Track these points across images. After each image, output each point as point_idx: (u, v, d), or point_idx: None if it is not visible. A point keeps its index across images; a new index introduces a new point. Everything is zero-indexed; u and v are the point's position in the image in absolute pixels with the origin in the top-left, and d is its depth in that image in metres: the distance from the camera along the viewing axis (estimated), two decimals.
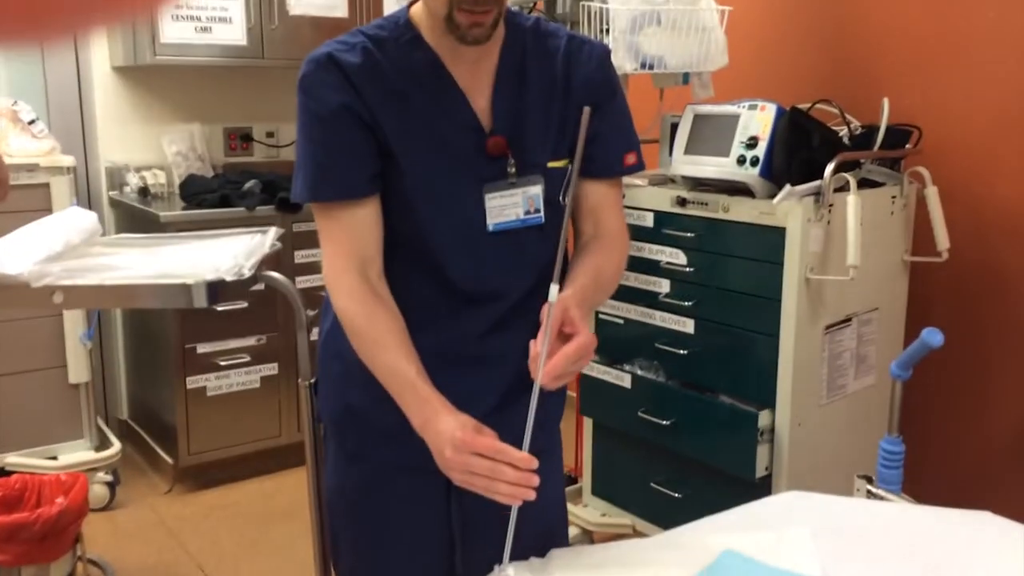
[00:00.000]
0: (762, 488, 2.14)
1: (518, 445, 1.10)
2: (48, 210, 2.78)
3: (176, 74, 3.43)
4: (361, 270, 1.26)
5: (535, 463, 1.08)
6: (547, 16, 2.45)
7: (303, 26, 3.31)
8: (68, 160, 2.90)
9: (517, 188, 1.30)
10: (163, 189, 3.36)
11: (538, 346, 1.13)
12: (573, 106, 1.32)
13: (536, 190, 1.31)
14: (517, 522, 1.12)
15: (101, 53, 3.33)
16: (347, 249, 1.26)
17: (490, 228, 1.31)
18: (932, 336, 1.60)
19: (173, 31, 3.09)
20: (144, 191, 3.30)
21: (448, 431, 1.13)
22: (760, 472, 2.15)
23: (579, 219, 1.39)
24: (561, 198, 1.34)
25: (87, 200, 3.34)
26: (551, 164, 1.33)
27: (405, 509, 1.40)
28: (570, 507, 2.49)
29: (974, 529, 1.30)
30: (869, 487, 1.68)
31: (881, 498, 1.64)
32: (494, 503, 1.10)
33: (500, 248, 1.32)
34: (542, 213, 1.33)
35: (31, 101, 3.04)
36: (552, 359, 1.12)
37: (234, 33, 3.20)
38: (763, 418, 2.13)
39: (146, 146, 3.43)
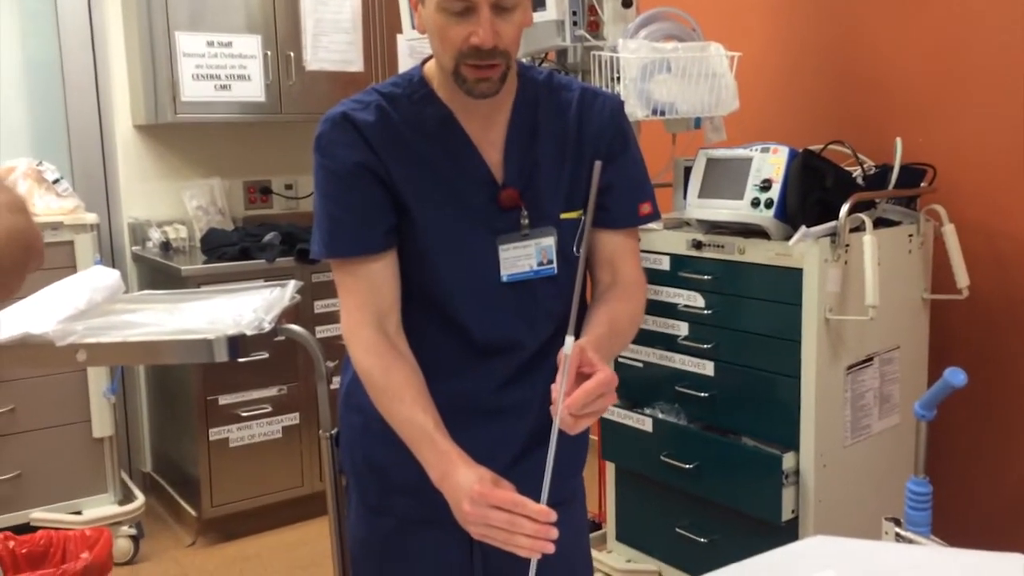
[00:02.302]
0: (789, 531, 2.11)
1: (538, 496, 1.09)
2: (72, 267, 2.83)
3: (196, 131, 3.49)
4: (378, 324, 1.27)
5: (553, 516, 1.07)
6: (558, 66, 2.48)
7: (320, 81, 3.38)
8: (91, 217, 2.95)
9: (530, 240, 1.31)
10: (184, 243, 3.41)
11: (557, 388, 1.10)
12: (586, 158, 1.33)
13: (549, 241, 1.32)
14: (542, 572, 1.10)
15: (123, 112, 3.41)
16: (364, 303, 1.28)
17: (504, 279, 1.32)
18: (955, 376, 1.59)
19: (193, 90, 3.15)
20: (166, 245, 3.36)
21: (466, 484, 1.12)
22: (787, 515, 2.12)
23: (596, 269, 1.39)
24: (575, 249, 1.35)
25: (110, 256, 3.39)
26: (564, 215, 1.34)
27: (427, 562, 1.40)
28: (595, 553, 2.47)
29: (1006, 572, 1.28)
30: (898, 530, 1.65)
31: (910, 541, 1.61)
32: (517, 556, 1.10)
33: (514, 299, 1.33)
34: (555, 264, 1.33)
35: (55, 160, 3.10)
36: (572, 395, 1.09)
37: (253, 90, 3.26)
38: (788, 460, 2.11)
39: (168, 201, 3.49)
